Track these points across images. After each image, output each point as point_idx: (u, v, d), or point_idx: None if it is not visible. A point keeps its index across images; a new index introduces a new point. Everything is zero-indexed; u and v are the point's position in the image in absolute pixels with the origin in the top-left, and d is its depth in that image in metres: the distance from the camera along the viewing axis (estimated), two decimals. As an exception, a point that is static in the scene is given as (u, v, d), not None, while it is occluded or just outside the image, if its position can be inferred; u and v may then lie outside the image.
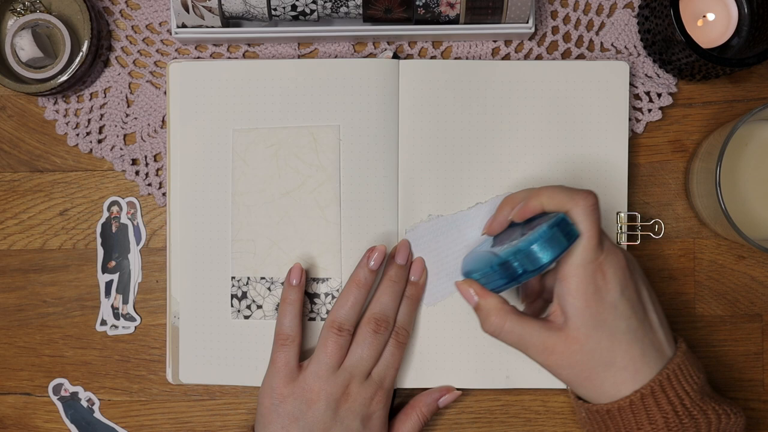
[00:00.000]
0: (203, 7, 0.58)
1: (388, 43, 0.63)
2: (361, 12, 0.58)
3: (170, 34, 0.63)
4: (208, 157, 0.60)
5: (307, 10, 0.58)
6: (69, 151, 0.64)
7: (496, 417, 0.62)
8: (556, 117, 0.60)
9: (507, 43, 0.63)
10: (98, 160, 0.64)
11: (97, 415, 0.63)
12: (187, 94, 0.60)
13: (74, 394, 0.63)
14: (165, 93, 0.63)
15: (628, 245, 0.60)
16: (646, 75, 0.62)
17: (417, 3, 0.57)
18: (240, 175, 0.60)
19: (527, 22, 0.60)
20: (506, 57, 0.63)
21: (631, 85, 0.61)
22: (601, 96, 0.60)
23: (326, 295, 0.60)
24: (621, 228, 0.60)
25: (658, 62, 0.62)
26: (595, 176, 0.60)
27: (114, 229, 0.63)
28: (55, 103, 0.64)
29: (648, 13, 0.60)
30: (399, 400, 0.60)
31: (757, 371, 0.62)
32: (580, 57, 0.63)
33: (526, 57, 0.63)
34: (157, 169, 0.63)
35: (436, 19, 0.59)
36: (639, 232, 0.61)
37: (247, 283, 0.60)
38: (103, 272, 0.63)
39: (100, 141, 0.64)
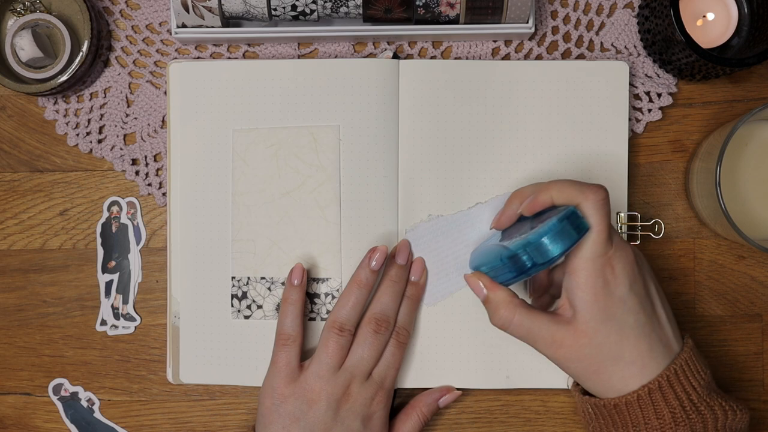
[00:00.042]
0: (203, 7, 0.58)
1: (388, 43, 0.63)
2: (361, 12, 0.58)
3: (170, 34, 0.63)
4: (209, 157, 0.60)
5: (307, 10, 0.58)
6: (69, 151, 0.64)
7: (496, 417, 0.62)
8: (556, 117, 0.60)
9: (507, 43, 0.63)
10: (98, 160, 0.64)
11: (97, 415, 0.63)
12: (187, 94, 0.60)
13: (74, 394, 0.63)
14: (165, 93, 0.63)
15: (628, 245, 0.60)
16: (646, 75, 0.62)
17: (417, 3, 0.57)
18: (240, 175, 0.60)
19: (527, 22, 0.60)
20: (506, 57, 0.63)
21: (631, 85, 0.61)
22: (601, 96, 0.60)
23: (326, 295, 0.60)
24: (621, 228, 0.60)
25: (658, 62, 0.62)
26: (595, 176, 0.60)
27: (114, 229, 0.63)
28: (55, 103, 0.64)
29: (648, 13, 0.60)
30: (399, 400, 0.60)
31: (757, 371, 0.62)
32: (580, 57, 0.63)
33: (526, 57, 0.63)
34: (157, 169, 0.63)
35: (436, 19, 0.59)
36: (639, 232, 0.61)
37: (248, 283, 0.60)
38: (103, 272, 0.63)
39: (100, 141, 0.64)
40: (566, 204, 0.49)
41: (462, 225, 0.60)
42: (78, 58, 0.60)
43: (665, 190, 0.62)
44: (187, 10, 0.58)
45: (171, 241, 0.61)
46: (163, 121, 0.63)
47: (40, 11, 0.62)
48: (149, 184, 0.63)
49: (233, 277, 0.60)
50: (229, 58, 0.63)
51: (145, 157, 0.63)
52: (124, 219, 0.63)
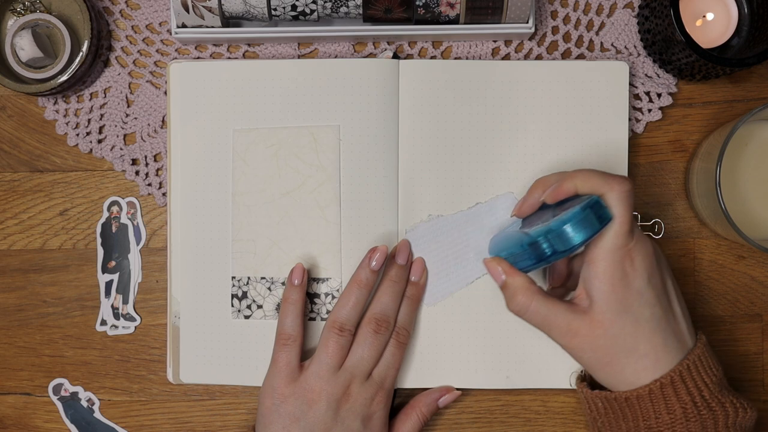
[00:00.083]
0: (203, 7, 0.58)
1: (388, 43, 0.63)
2: (361, 12, 0.58)
3: (170, 34, 0.63)
4: (209, 157, 0.60)
5: (307, 10, 0.58)
6: (69, 151, 0.64)
7: (496, 417, 0.62)
8: (556, 117, 0.60)
9: (507, 43, 0.63)
10: (98, 160, 0.64)
11: (97, 415, 0.63)
12: (187, 94, 0.60)
13: (74, 394, 0.63)
14: (165, 93, 0.63)
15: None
16: (646, 75, 0.62)
17: (417, 3, 0.57)
18: (240, 175, 0.60)
19: (527, 22, 0.60)
20: (506, 57, 0.63)
21: (631, 85, 0.61)
22: (601, 96, 0.60)
23: (326, 295, 0.60)
24: (621, 228, 0.60)
25: (658, 62, 0.62)
26: (595, 176, 0.60)
27: (114, 229, 0.63)
28: (55, 103, 0.64)
29: (648, 13, 0.60)
30: (399, 400, 0.60)
31: (757, 371, 0.62)
32: (580, 57, 0.63)
33: (526, 57, 0.63)
34: (157, 169, 0.63)
35: (436, 19, 0.59)
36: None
37: (248, 283, 0.60)
38: (103, 272, 0.63)
39: (100, 141, 0.64)
40: (590, 193, 0.49)
41: (462, 225, 0.60)
42: (78, 58, 0.60)
43: (665, 190, 0.62)
44: (187, 10, 0.58)
45: (171, 241, 0.61)
46: (163, 121, 0.63)
47: (40, 11, 0.62)
48: (149, 184, 0.63)
49: (233, 277, 0.60)
50: (229, 58, 0.63)
51: (145, 157, 0.63)
52: (124, 219, 0.63)
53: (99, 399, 0.63)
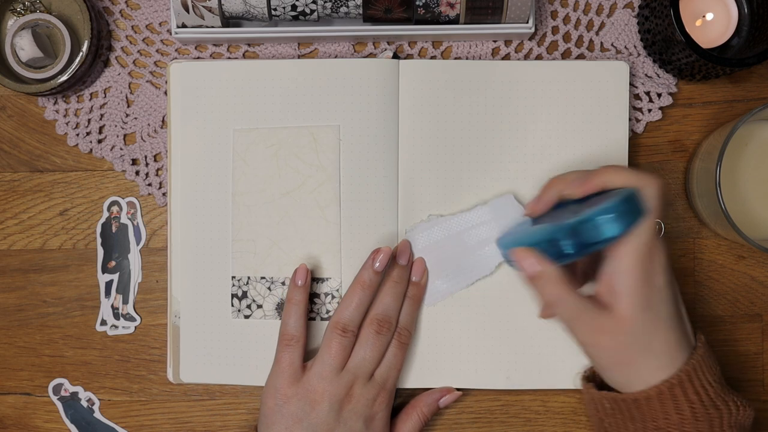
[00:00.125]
0: (203, 7, 0.58)
1: (388, 43, 0.63)
2: (361, 12, 0.58)
3: (170, 34, 0.63)
4: (209, 157, 0.60)
5: (307, 10, 0.58)
6: (69, 151, 0.64)
7: (496, 417, 0.62)
8: (556, 117, 0.60)
9: (507, 43, 0.63)
10: (98, 160, 0.64)
11: (97, 415, 0.63)
12: (187, 95, 0.60)
13: (74, 394, 0.63)
14: (165, 93, 0.63)
15: (628, 245, 0.60)
16: (646, 75, 0.62)
17: (417, 3, 0.57)
18: (240, 175, 0.60)
19: (527, 22, 0.60)
20: (506, 57, 0.63)
21: (631, 85, 0.61)
22: (601, 96, 0.60)
23: (326, 295, 0.60)
24: (621, 228, 0.60)
25: (658, 62, 0.62)
26: (595, 176, 0.60)
27: (114, 229, 0.63)
28: (55, 103, 0.64)
29: (648, 13, 0.60)
30: (400, 400, 0.60)
31: (757, 371, 0.62)
32: (580, 57, 0.63)
33: (526, 57, 0.63)
34: (157, 169, 0.63)
35: (436, 19, 0.59)
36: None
37: (248, 283, 0.60)
38: (103, 272, 0.63)
39: (100, 141, 0.64)
40: (624, 186, 0.48)
41: (462, 225, 0.59)
42: (78, 58, 0.60)
43: (665, 190, 0.62)
44: (187, 10, 0.58)
45: (171, 241, 0.61)
46: (163, 121, 0.63)
47: (40, 11, 0.62)
48: (149, 184, 0.63)
49: (233, 277, 0.60)
50: (229, 58, 0.63)
51: (145, 157, 0.63)
52: (124, 219, 0.63)
53: (99, 399, 0.63)
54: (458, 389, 0.60)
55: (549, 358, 0.59)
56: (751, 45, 0.59)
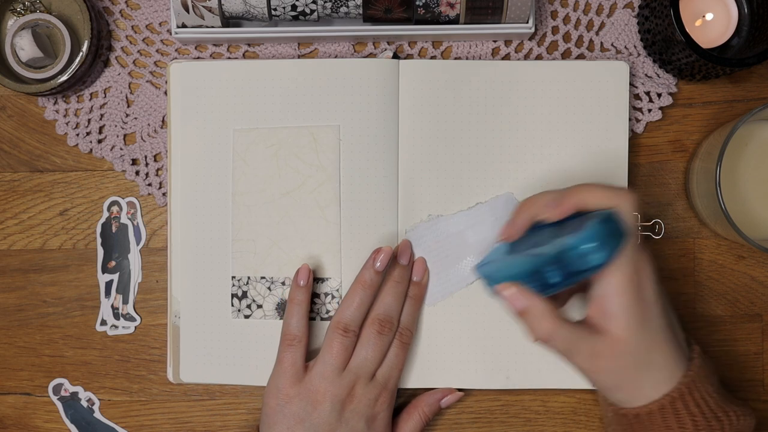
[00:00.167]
0: (203, 7, 0.58)
1: (388, 43, 0.63)
2: (361, 12, 0.58)
3: (170, 34, 0.63)
4: (209, 157, 0.60)
5: (307, 10, 0.58)
6: (69, 151, 0.64)
7: (496, 417, 0.62)
8: (556, 117, 0.60)
9: (507, 43, 0.63)
10: (98, 160, 0.64)
11: (97, 415, 0.63)
12: (187, 95, 0.60)
13: (74, 394, 0.63)
14: (165, 93, 0.63)
15: (628, 245, 0.60)
16: (646, 75, 0.62)
17: (417, 3, 0.57)
18: (240, 175, 0.60)
19: (527, 22, 0.60)
20: (506, 57, 0.63)
21: (631, 85, 0.61)
22: (601, 96, 0.60)
23: (326, 294, 0.60)
24: (621, 228, 0.60)
25: (658, 62, 0.62)
26: (595, 176, 0.60)
27: (114, 229, 0.63)
28: (55, 103, 0.64)
29: (648, 13, 0.60)
30: (401, 400, 0.60)
31: (757, 371, 0.62)
32: (580, 57, 0.63)
33: (526, 57, 0.63)
34: (157, 169, 0.63)
35: (436, 19, 0.59)
36: (639, 233, 0.60)
37: (248, 283, 0.60)
38: (103, 272, 0.63)
39: (100, 141, 0.64)
40: (600, 207, 0.47)
41: (462, 225, 0.60)
42: (78, 58, 0.60)
43: (665, 190, 0.62)
44: (187, 10, 0.58)
45: (171, 241, 0.61)
46: (163, 121, 0.63)
47: (40, 11, 0.62)
48: (149, 184, 0.63)
49: (233, 277, 0.60)
50: (229, 58, 0.63)
51: (145, 157, 0.63)
52: (124, 219, 0.63)
53: (99, 399, 0.63)
54: (459, 389, 0.60)
55: (549, 358, 0.59)
56: (751, 45, 0.59)
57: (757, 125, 0.59)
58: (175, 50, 0.64)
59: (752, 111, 0.54)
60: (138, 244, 0.63)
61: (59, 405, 0.63)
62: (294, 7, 0.58)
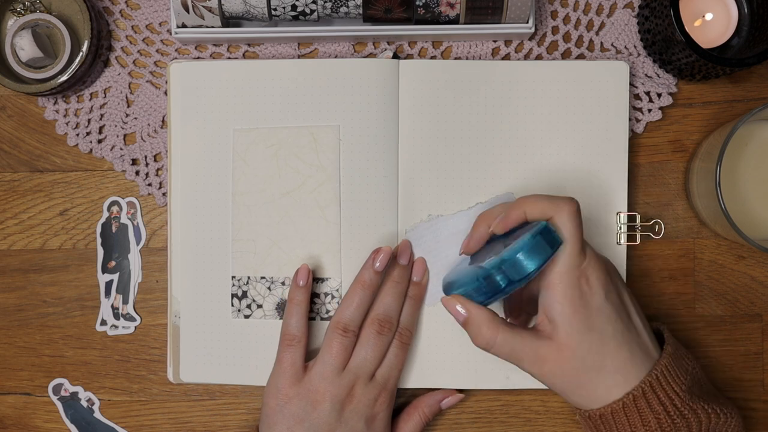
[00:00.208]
0: (203, 7, 0.58)
1: (388, 43, 0.63)
2: (361, 12, 0.58)
3: (170, 34, 0.63)
4: (209, 157, 0.60)
5: (307, 10, 0.58)
6: (69, 151, 0.64)
7: (496, 417, 0.62)
8: (556, 117, 0.60)
9: (507, 43, 0.63)
10: (98, 160, 0.64)
11: (97, 415, 0.63)
12: (187, 95, 0.60)
13: (74, 394, 0.63)
14: (165, 93, 0.63)
15: (628, 245, 0.60)
16: (646, 75, 0.62)
17: (417, 3, 0.57)
18: (240, 174, 0.60)
19: (527, 22, 0.60)
20: (506, 57, 0.63)
21: (631, 85, 0.61)
22: (601, 96, 0.60)
23: (326, 294, 0.60)
24: (621, 228, 0.60)
25: (658, 62, 0.62)
26: (595, 176, 0.60)
27: (114, 229, 0.63)
28: (55, 103, 0.64)
29: (648, 13, 0.60)
30: (401, 400, 0.60)
31: (757, 371, 0.62)
32: (580, 57, 0.63)
33: (526, 57, 0.63)
34: (157, 169, 0.63)
35: (436, 19, 0.59)
36: (639, 232, 0.61)
37: (248, 283, 0.60)
38: (103, 272, 0.63)
39: (100, 141, 0.64)
40: (540, 218, 0.49)
41: (462, 225, 0.60)
42: (78, 58, 0.60)
43: (665, 190, 0.62)
44: (187, 10, 0.58)
45: (171, 241, 0.61)
46: (163, 121, 0.63)
47: (40, 11, 0.62)
48: (149, 184, 0.63)
49: (233, 277, 0.60)
50: (229, 58, 0.63)
51: (145, 157, 0.63)
52: (124, 219, 0.63)
53: (99, 399, 0.63)
54: (459, 390, 0.60)
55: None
56: (751, 45, 0.59)
57: (757, 125, 0.59)
58: (175, 50, 0.64)
59: (752, 111, 0.54)
60: (138, 244, 0.63)
61: (59, 405, 0.63)
62: (294, 7, 0.58)
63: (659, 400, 0.49)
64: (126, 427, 0.63)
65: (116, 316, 0.63)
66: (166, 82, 0.61)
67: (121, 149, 0.63)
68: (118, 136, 0.63)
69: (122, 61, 0.64)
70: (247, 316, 0.60)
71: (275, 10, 0.58)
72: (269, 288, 0.60)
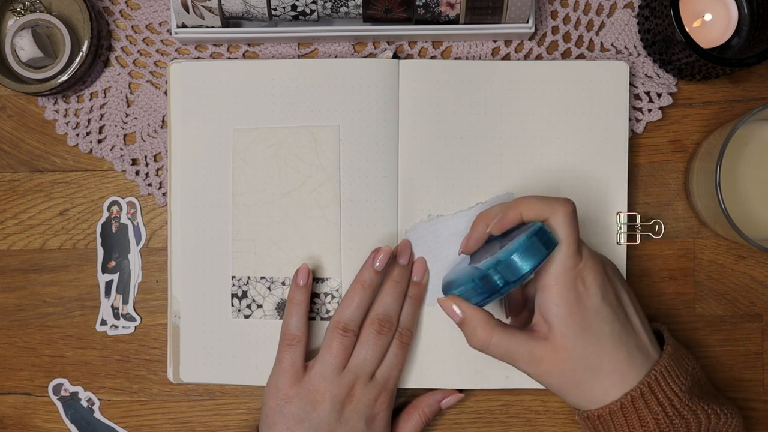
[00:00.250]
0: (203, 7, 0.58)
1: (388, 43, 0.63)
2: (361, 12, 0.58)
3: (170, 34, 0.63)
4: (209, 157, 0.60)
5: (307, 10, 0.58)
6: (69, 151, 0.64)
7: (496, 417, 0.62)
8: (556, 117, 0.60)
9: (507, 43, 0.63)
10: (98, 160, 0.64)
11: (97, 415, 0.63)
12: (187, 95, 0.60)
13: (74, 394, 0.63)
14: (165, 93, 0.63)
15: (628, 245, 0.60)
16: (646, 75, 0.62)
17: (417, 3, 0.57)
18: (240, 174, 0.60)
19: (527, 22, 0.60)
20: (506, 57, 0.63)
21: (631, 85, 0.61)
22: (601, 96, 0.60)
23: (326, 294, 0.60)
24: (621, 228, 0.60)
25: (658, 62, 0.62)
26: (595, 176, 0.60)
27: (114, 229, 0.63)
28: (55, 103, 0.64)
29: (648, 13, 0.60)
30: (401, 400, 0.60)
31: (757, 371, 0.62)
32: (580, 57, 0.63)
33: (526, 57, 0.63)
34: (157, 169, 0.63)
35: (436, 19, 0.59)
36: (639, 232, 0.61)
37: (248, 283, 0.60)
38: (103, 272, 0.63)
39: (100, 141, 0.64)
40: (535, 219, 0.50)
41: (462, 225, 0.60)
42: (78, 58, 0.60)
43: (665, 190, 0.62)
44: (187, 10, 0.58)
45: (171, 241, 0.61)
46: (163, 121, 0.63)
47: (40, 11, 0.62)
48: (149, 184, 0.63)
49: (233, 277, 0.60)
50: (229, 58, 0.63)
51: (145, 157, 0.63)
52: (124, 219, 0.63)
53: (99, 399, 0.63)
54: (459, 390, 0.60)
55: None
56: (751, 45, 0.59)
57: (757, 125, 0.59)
58: (175, 50, 0.64)
59: (752, 111, 0.54)
60: (138, 244, 0.63)
61: (59, 405, 0.63)
62: (294, 7, 0.58)
63: (658, 401, 0.49)
64: (126, 427, 0.63)
65: (116, 316, 0.63)
66: (166, 82, 0.61)
67: (121, 149, 0.63)
68: (118, 136, 0.63)
69: (122, 61, 0.64)
70: (247, 316, 0.60)
71: (275, 10, 0.58)
72: (269, 288, 0.60)
